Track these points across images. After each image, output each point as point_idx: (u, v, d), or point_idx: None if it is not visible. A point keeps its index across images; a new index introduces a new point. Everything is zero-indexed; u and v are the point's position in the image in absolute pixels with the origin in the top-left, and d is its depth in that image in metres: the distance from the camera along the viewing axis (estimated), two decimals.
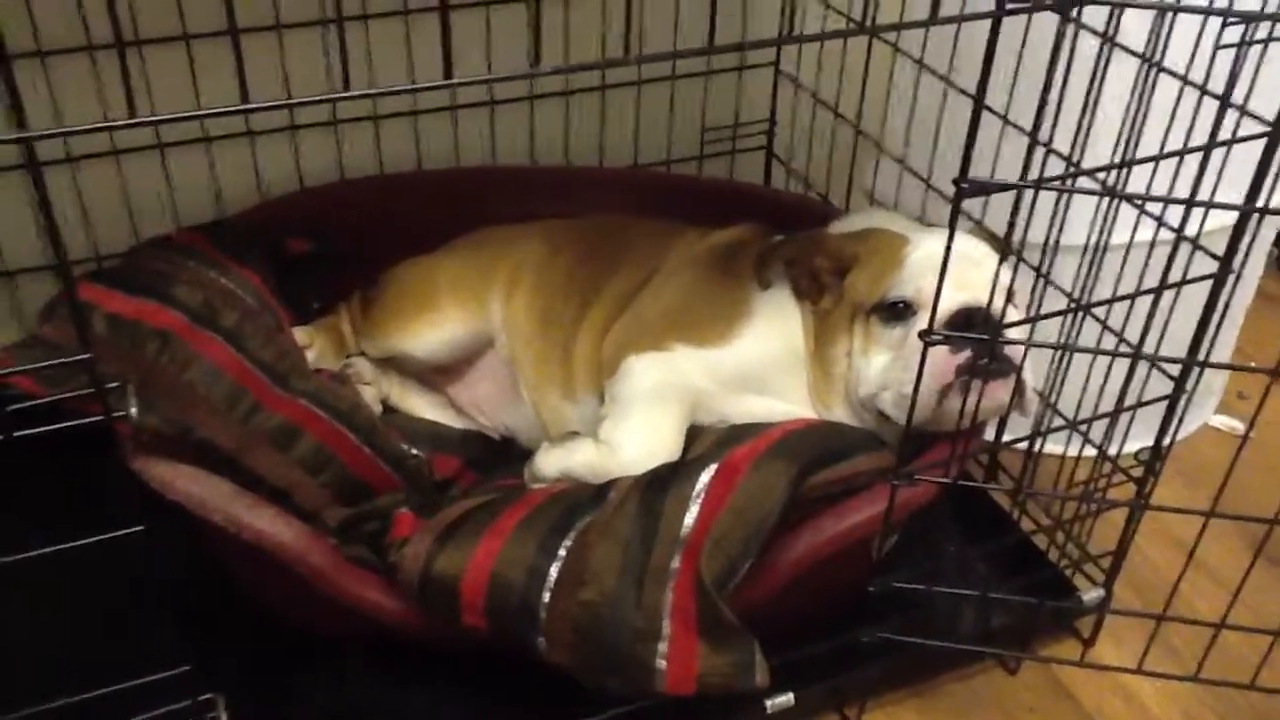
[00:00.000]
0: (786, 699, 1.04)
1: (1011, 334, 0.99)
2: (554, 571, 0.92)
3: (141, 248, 1.19)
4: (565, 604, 0.91)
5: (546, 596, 0.92)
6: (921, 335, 0.89)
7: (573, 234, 1.33)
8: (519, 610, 0.92)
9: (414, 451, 1.18)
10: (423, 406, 1.33)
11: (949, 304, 0.96)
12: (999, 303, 0.94)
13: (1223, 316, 0.96)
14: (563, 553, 0.93)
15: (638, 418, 1.06)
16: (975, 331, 0.95)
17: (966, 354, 0.98)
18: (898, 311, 1.04)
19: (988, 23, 0.76)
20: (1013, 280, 1.02)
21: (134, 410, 0.69)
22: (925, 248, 1.06)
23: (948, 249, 0.84)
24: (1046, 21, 0.92)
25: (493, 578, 0.93)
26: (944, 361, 0.97)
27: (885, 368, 1.04)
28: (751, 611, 0.92)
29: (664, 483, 0.96)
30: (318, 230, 1.33)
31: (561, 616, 0.91)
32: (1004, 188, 0.82)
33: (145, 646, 0.80)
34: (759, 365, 1.10)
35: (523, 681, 0.97)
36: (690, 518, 0.92)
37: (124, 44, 0.65)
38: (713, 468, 0.96)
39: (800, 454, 0.97)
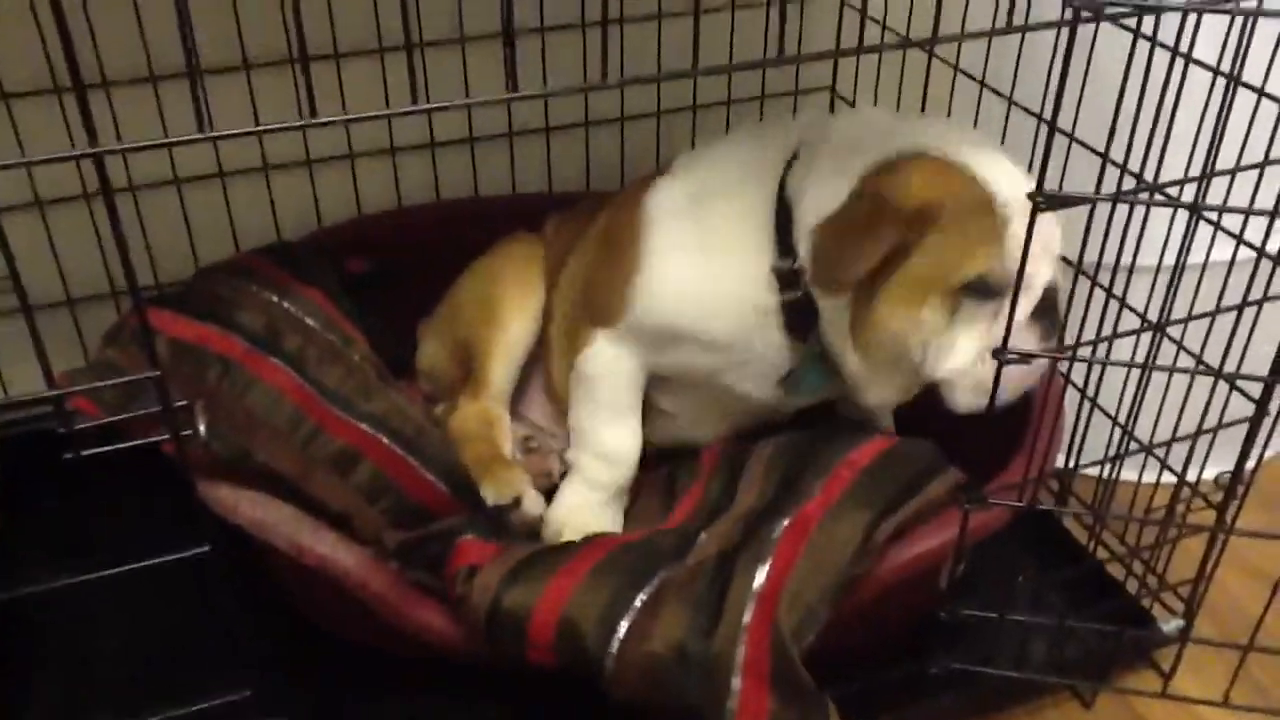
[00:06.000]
0: None
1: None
2: (624, 624, 0.90)
3: (205, 272, 1.20)
4: (633, 654, 0.89)
5: (615, 646, 0.90)
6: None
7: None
8: (586, 655, 0.90)
9: None
10: None
11: (1039, 285, 0.94)
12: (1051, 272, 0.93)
13: None
14: (637, 604, 0.91)
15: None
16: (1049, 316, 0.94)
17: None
18: (987, 289, 0.94)
19: (1049, 39, 0.74)
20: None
21: (202, 428, 0.69)
22: (1012, 201, 0.91)
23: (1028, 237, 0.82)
24: (1110, 34, 0.90)
25: (562, 619, 0.91)
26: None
27: (973, 347, 0.96)
28: (818, 641, 0.90)
29: (740, 546, 0.95)
30: (375, 253, 1.33)
31: (629, 665, 0.89)
32: (1081, 200, 0.80)
33: (207, 670, 0.79)
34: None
35: (591, 700, 0.94)
36: (762, 574, 0.91)
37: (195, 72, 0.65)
38: (784, 523, 0.95)
39: (874, 500, 0.96)
